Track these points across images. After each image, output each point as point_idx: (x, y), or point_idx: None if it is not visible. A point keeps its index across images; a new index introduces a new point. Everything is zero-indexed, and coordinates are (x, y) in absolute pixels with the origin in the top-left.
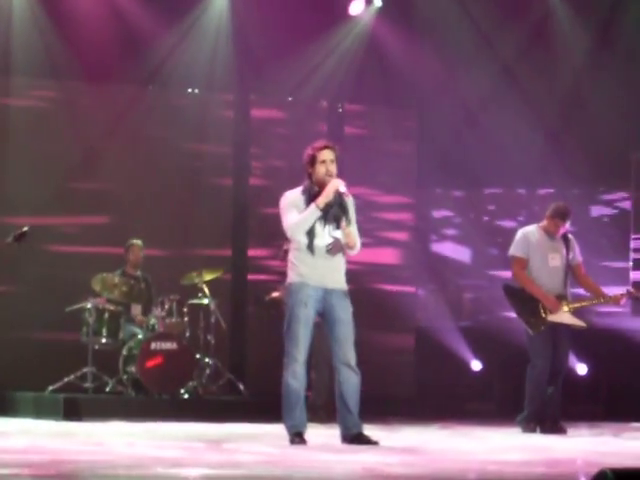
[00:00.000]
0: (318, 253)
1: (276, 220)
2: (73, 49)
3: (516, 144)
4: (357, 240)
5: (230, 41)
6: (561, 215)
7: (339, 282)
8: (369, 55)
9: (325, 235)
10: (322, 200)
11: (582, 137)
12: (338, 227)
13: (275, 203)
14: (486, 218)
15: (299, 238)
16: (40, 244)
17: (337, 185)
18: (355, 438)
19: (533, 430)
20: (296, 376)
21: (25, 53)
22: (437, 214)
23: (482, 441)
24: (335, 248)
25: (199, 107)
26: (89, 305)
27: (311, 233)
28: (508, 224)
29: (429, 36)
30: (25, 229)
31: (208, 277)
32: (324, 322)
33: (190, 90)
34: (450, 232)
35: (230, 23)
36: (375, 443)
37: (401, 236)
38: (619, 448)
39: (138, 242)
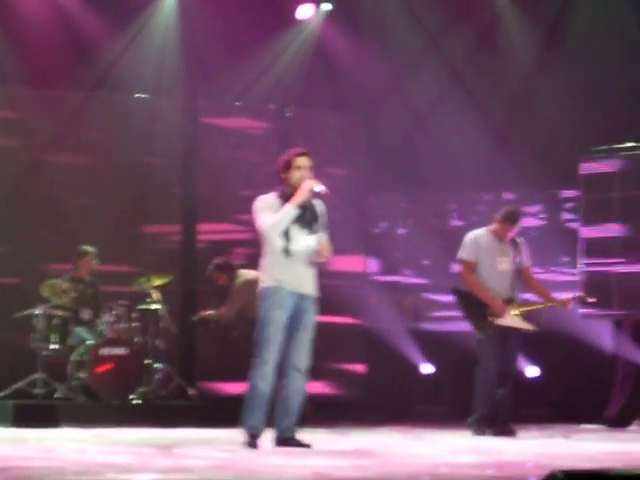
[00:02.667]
0: (294, 257)
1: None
2: (19, 54)
3: (464, 147)
4: (329, 249)
5: (178, 45)
6: (512, 219)
7: (312, 288)
8: (317, 59)
9: (300, 240)
10: (298, 199)
11: (529, 139)
12: (311, 232)
13: (223, 210)
14: (435, 220)
15: (275, 241)
16: None
17: (311, 185)
18: (288, 441)
19: (484, 432)
20: (265, 378)
21: None
22: (387, 216)
23: (433, 444)
24: (312, 256)
25: (147, 112)
26: (37, 311)
27: (287, 236)
28: (457, 227)
29: (377, 40)
30: None
31: (157, 282)
32: (288, 323)
33: (138, 95)
34: (400, 233)
35: (178, 27)
36: (307, 446)
37: (349, 238)
38: (569, 450)
39: (91, 249)
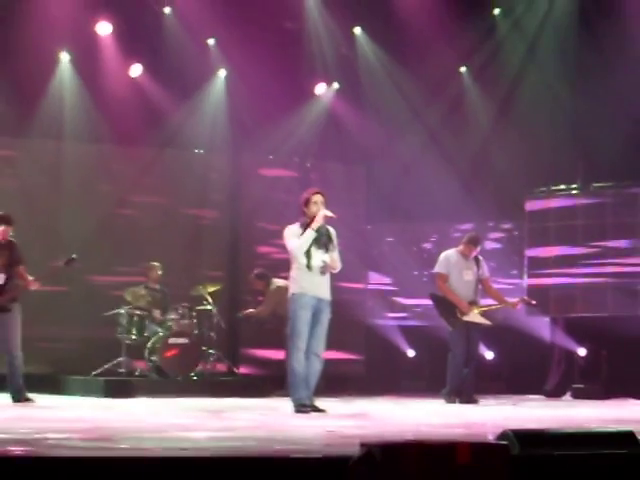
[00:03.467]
0: (314, 270)
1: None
2: (107, 119)
3: (439, 189)
4: (339, 263)
5: (227, 112)
6: (474, 242)
7: (327, 294)
8: (329, 124)
9: (318, 257)
10: (315, 224)
11: (487, 183)
12: (327, 252)
13: (259, 240)
14: (415, 244)
15: (300, 259)
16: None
17: (325, 213)
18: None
19: (454, 401)
20: (300, 362)
21: (72, 121)
22: (380, 241)
23: (415, 409)
24: (326, 269)
25: (203, 164)
26: (122, 311)
27: (308, 255)
28: (432, 249)
29: (374, 109)
30: (74, 256)
31: (210, 289)
32: (310, 320)
33: (196, 150)
34: (389, 253)
35: (227, 98)
36: (323, 411)
37: (354, 257)
38: (517, 414)
39: (157, 264)
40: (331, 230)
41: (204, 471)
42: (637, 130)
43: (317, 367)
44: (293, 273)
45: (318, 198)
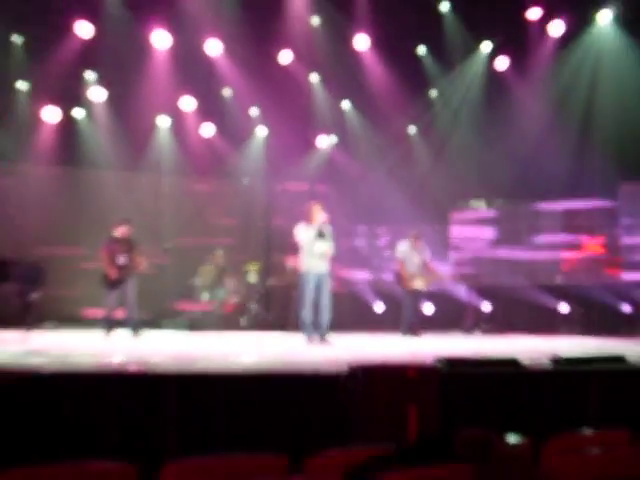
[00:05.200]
0: (316, 255)
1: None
2: (188, 158)
3: (396, 202)
4: (332, 250)
5: (264, 154)
6: (416, 237)
7: (325, 270)
8: (331, 162)
9: (318, 246)
10: (315, 224)
11: (428, 199)
12: (324, 241)
13: (286, 235)
14: (379, 239)
15: (306, 247)
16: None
17: (322, 216)
18: (321, 339)
19: (406, 335)
20: (308, 313)
21: (167, 160)
22: (361, 238)
23: (382, 342)
24: (323, 254)
25: (248, 188)
26: (196, 282)
27: (311, 245)
28: (388, 243)
29: (356, 151)
30: (169, 246)
31: (252, 268)
32: (315, 288)
33: (244, 179)
34: (361, 246)
35: (264, 145)
36: (329, 342)
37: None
38: (447, 346)
39: (220, 252)
40: (328, 227)
41: (251, 382)
42: (521, 166)
43: (326, 314)
44: (301, 257)
45: (318, 207)
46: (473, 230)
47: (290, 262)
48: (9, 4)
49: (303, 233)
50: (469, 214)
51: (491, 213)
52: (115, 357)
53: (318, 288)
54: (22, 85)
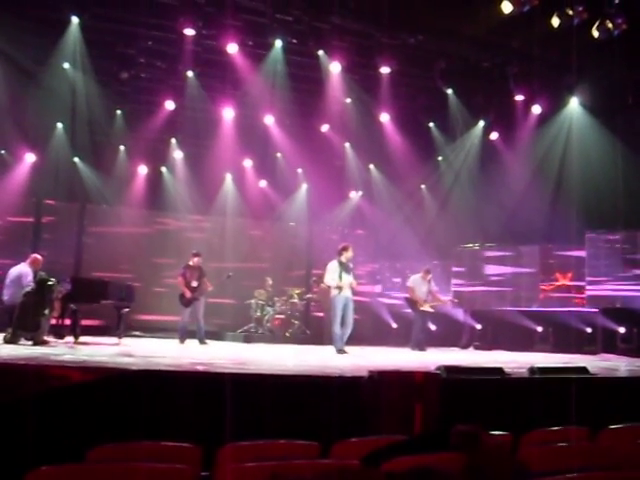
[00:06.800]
0: (345, 284)
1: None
2: (247, 205)
3: (410, 243)
4: (355, 282)
5: (306, 204)
6: (428, 271)
7: (350, 295)
8: (357, 213)
9: (346, 278)
10: (345, 261)
11: (435, 240)
12: (349, 275)
13: (321, 269)
14: (398, 273)
15: (333, 282)
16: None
17: (350, 256)
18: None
19: (414, 350)
20: (337, 328)
21: (231, 205)
22: (381, 270)
23: (396, 354)
24: (350, 285)
25: (294, 231)
26: (252, 301)
27: (340, 277)
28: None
29: (379, 203)
30: (230, 274)
31: (296, 291)
32: (343, 308)
33: (291, 223)
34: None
35: (306, 198)
36: (348, 353)
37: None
38: (447, 357)
39: (269, 278)
40: (351, 265)
41: (291, 383)
42: (508, 214)
43: (349, 332)
44: (332, 285)
45: (348, 249)
46: (470, 266)
47: (323, 285)
48: (112, 87)
49: (336, 267)
50: (466, 253)
51: (486, 253)
52: (186, 360)
53: (345, 308)
54: (122, 147)
